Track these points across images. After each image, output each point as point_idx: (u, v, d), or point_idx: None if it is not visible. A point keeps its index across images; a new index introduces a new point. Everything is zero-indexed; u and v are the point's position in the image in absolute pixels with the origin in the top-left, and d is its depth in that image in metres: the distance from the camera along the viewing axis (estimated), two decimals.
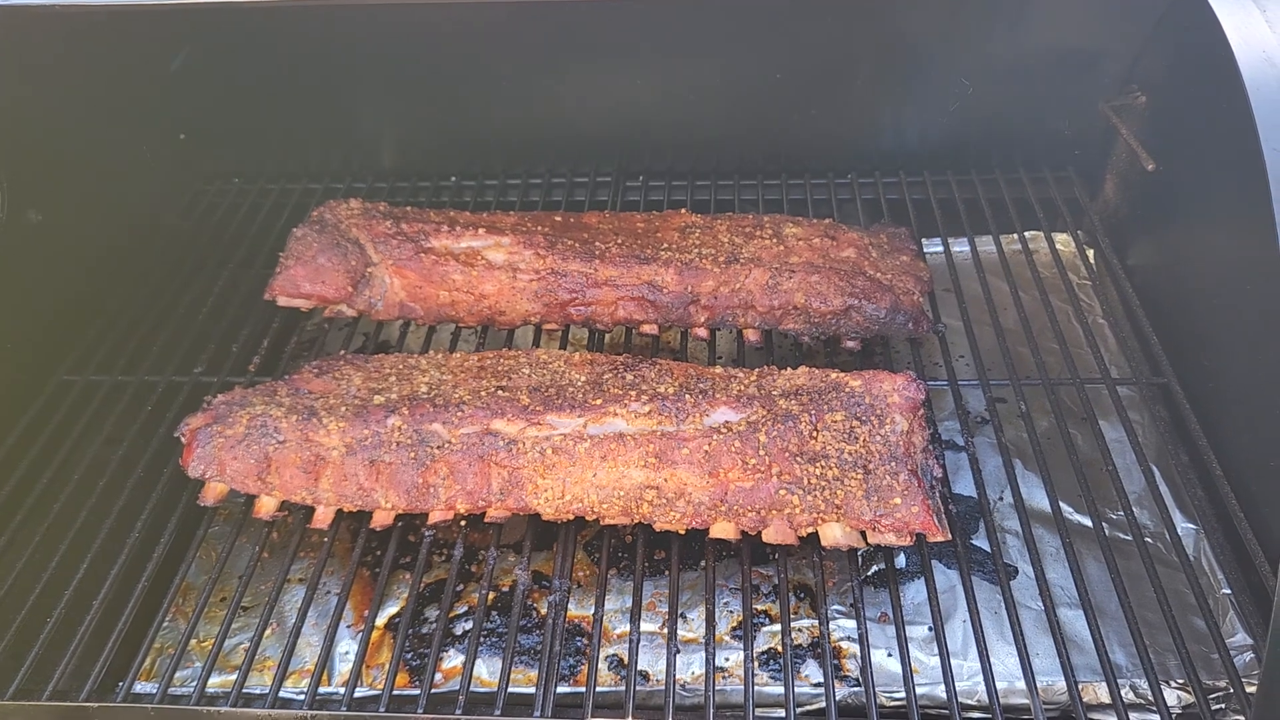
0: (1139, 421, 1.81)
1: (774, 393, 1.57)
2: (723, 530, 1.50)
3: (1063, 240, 2.18)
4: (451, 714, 1.35)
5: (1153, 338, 1.83)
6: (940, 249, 2.08)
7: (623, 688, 1.50)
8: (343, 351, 1.84)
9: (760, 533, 1.50)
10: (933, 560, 1.63)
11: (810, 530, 1.48)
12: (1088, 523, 1.65)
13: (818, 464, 1.47)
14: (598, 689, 1.45)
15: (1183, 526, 1.65)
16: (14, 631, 1.49)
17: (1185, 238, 1.88)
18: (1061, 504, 1.62)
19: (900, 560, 1.64)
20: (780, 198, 2.25)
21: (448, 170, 2.37)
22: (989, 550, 1.63)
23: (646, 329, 1.89)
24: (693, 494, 1.49)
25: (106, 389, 1.87)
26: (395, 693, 1.49)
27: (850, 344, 1.84)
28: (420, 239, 1.92)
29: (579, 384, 1.62)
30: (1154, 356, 1.81)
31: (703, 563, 1.55)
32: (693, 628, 1.59)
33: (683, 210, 2.03)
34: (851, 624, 1.57)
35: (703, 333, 1.88)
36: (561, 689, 1.51)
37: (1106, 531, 1.63)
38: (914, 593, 1.60)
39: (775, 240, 1.92)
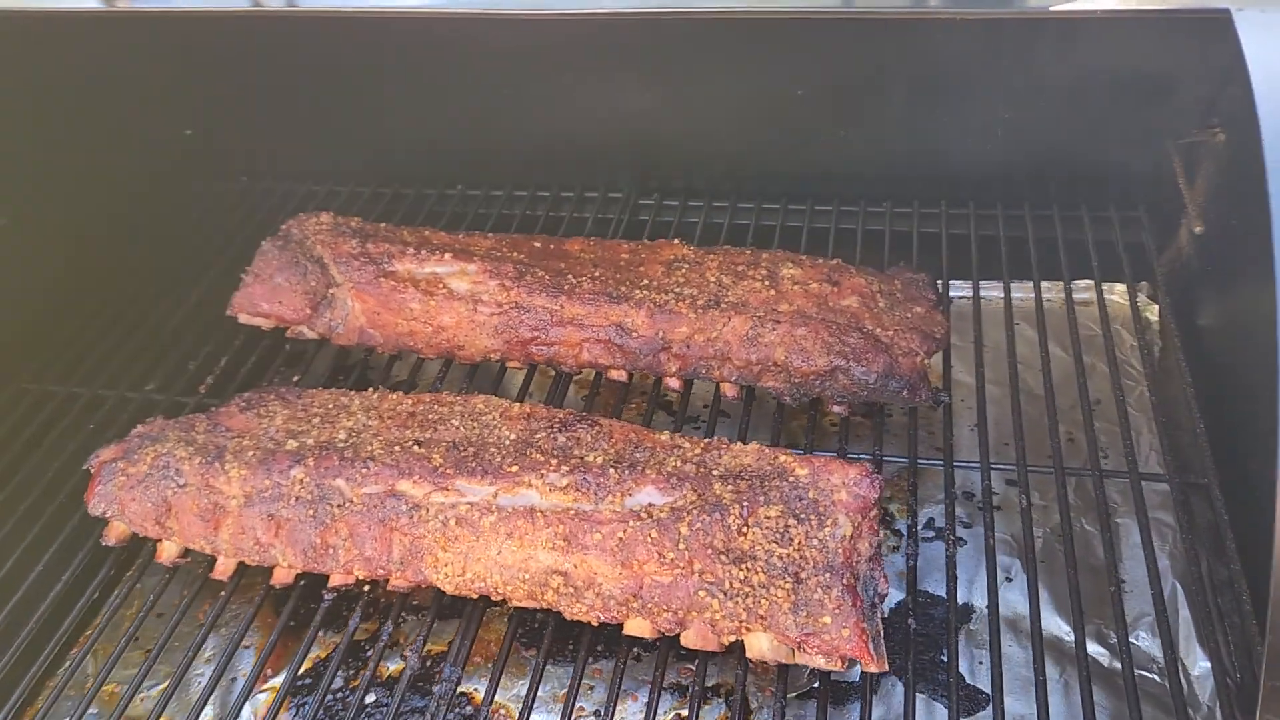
0: (1169, 526, 1.53)
1: (713, 472, 1.37)
2: (637, 628, 1.32)
3: (1119, 293, 1.89)
4: None
5: (1200, 425, 1.54)
6: (968, 294, 1.83)
7: None
8: (284, 386, 1.71)
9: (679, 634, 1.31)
10: (890, 677, 1.41)
11: (734, 638, 1.29)
12: (1098, 650, 1.41)
13: (743, 565, 1.27)
14: None
15: (1199, 666, 1.37)
16: None
17: (1254, 308, 1.58)
18: (1059, 620, 1.38)
19: (851, 673, 1.42)
20: (803, 225, 2.01)
21: (455, 179, 2.23)
22: (950, 670, 1.39)
23: (614, 375, 1.70)
24: (603, 585, 1.31)
25: (59, 400, 1.81)
26: None
27: (837, 409, 1.62)
28: (383, 261, 1.79)
29: (505, 443, 1.45)
30: (1200, 448, 1.52)
31: (620, 661, 1.36)
32: None
33: (676, 241, 1.83)
34: None
35: (675, 384, 1.68)
36: None
37: (1105, 662, 1.38)
38: (857, 714, 1.38)
39: (767, 283, 1.70)
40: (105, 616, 1.50)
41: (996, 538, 1.56)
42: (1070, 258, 1.85)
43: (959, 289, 1.95)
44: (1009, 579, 1.52)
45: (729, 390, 1.66)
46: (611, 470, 1.38)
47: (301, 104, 2.18)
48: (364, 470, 1.42)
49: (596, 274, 1.74)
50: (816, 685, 1.37)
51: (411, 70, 2.07)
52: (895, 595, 1.50)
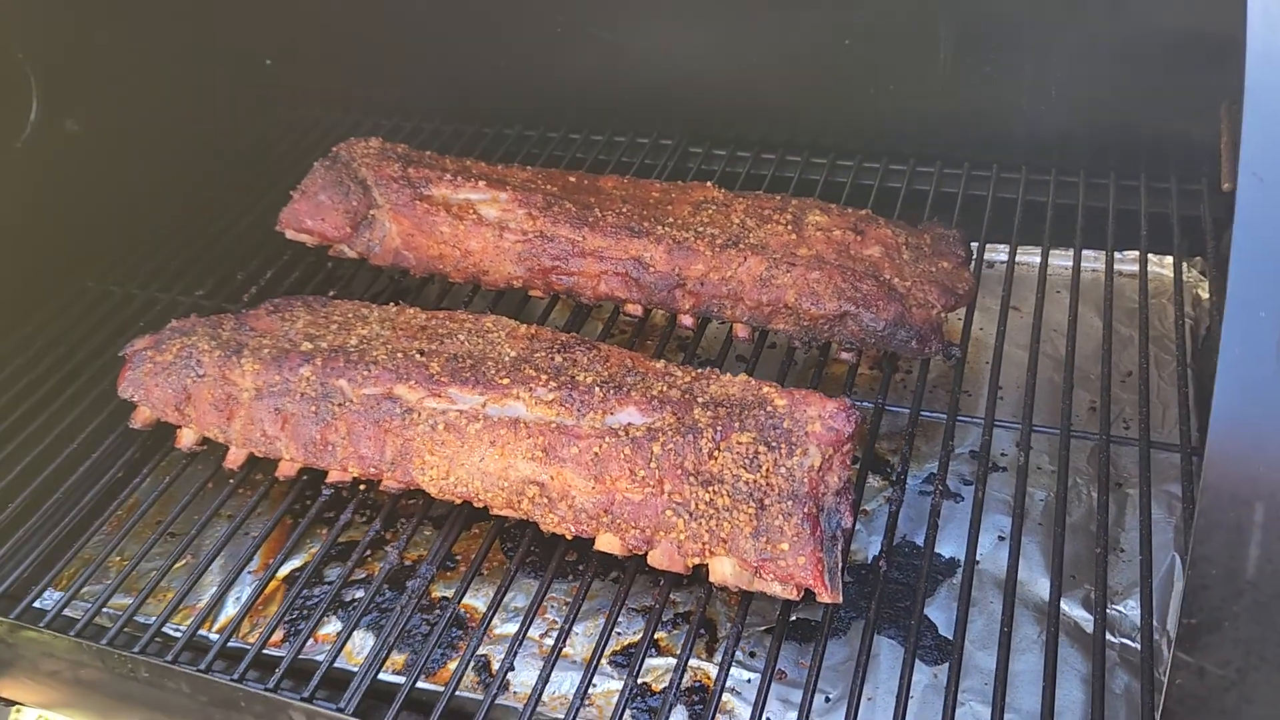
0: (1178, 499, 1.47)
1: (698, 399, 1.37)
2: (607, 544, 1.34)
3: (1167, 265, 1.81)
4: (293, 695, 1.27)
5: None
6: (1005, 258, 1.78)
7: (479, 695, 1.38)
8: (322, 295, 1.78)
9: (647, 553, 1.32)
10: (859, 620, 1.40)
11: (699, 561, 1.29)
12: (1070, 611, 1.37)
13: (710, 488, 1.27)
14: (457, 692, 1.33)
15: None
16: None
17: None
18: (1047, 583, 1.35)
19: (817, 612, 1.41)
20: (847, 180, 1.99)
21: (513, 119, 2.27)
22: (934, 622, 1.37)
23: (630, 309, 1.72)
24: (577, 498, 1.34)
25: (117, 299, 1.92)
26: (266, 653, 1.42)
27: (846, 355, 1.60)
28: (421, 185, 1.84)
29: (504, 359, 1.49)
30: None
31: (587, 576, 1.38)
32: (575, 644, 1.43)
33: (708, 184, 1.83)
34: (745, 674, 1.36)
35: (688, 321, 1.69)
36: (421, 684, 1.39)
37: (1087, 627, 1.34)
38: (831, 651, 1.37)
39: (791, 228, 1.69)
40: (125, 495, 1.59)
41: (998, 498, 1.54)
42: (1120, 227, 1.79)
43: (1001, 252, 1.90)
44: (1002, 538, 1.48)
45: (741, 331, 1.66)
46: (598, 389, 1.39)
47: (375, 40, 2.26)
48: (365, 372, 1.47)
49: (624, 209, 1.76)
50: (804, 616, 1.37)
51: (479, 9, 2.12)
52: (878, 542, 1.49)
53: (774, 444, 1.28)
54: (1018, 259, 1.80)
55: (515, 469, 1.37)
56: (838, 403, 1.31)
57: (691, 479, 1.29)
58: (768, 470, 1.26)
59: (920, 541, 1.50)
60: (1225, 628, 0.83)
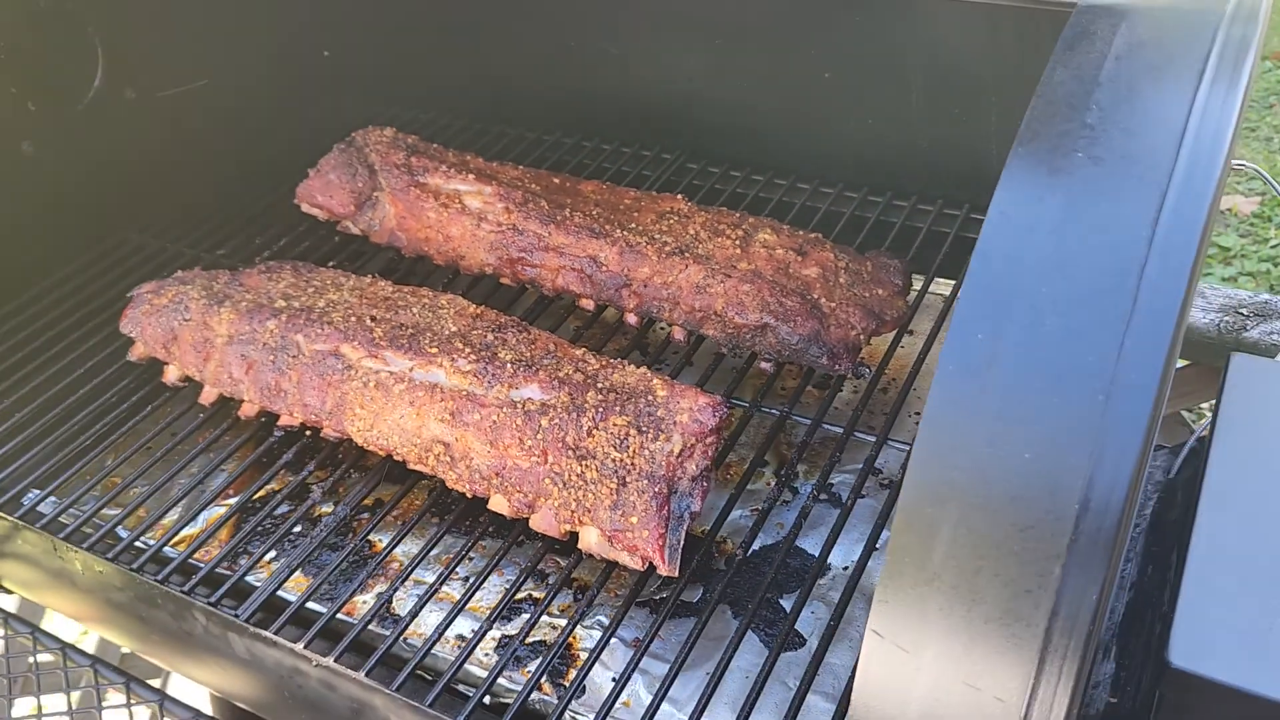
0: None
1: (596, 384, 1.51)
2: (498, 505, 1.48)
3: None
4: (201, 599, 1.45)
5: None
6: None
7: (375, 626, 1.53)
8: (331, 264, 1.98)
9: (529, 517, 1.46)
10: (724, 606, 1.51)
11: (571, 529, 1.43)
12: None
13: (584, 462, 1.41)
14: (344, 616, 1.50)
15: None
16: None
17: None
18: None
19: (693, 594, 1.52)
20: (822, 206, 2.08)
21: (531, 122, 2.44)
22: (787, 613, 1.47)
23: (584, 304, 1.86)
24: (474, 460, 1.49)
25: (150, 251, 2.16)
26: (192, 562, 1.60)
27: (765, 365, 1.71)
28: (419, 174, 2.02)
29: (444, 332, 1.65)
30: None
31: (477, 532, 1.52)
32: (462, 590, 1.57)
33: (678, 196, 1.96)
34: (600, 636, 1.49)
35: (632, 319, 1.82)
36: (314, 605, 1.54)
37: None
38: (682, 628, 1.48)
39: (739, 243, 1.81)
40: (129, 425, 1.80)
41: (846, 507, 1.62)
42: None
43: (946, 286, 1.97)
44: (877, 549, 1.57)
45: (677, 333, 1.79)
46: (510, 365, 1.54)
47: (416, 40, 2.47)
48: (319, 331, 1.65)
49: (593, 212, 1.90)
50: (665, 595, 1.48)
51: (509, 20, 2.30)
52: (763, 539, 1.59)
53: (645, 429, 1.41)
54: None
55: (427, 428, 1.52)
56: (709, 399, 1.42)
57: (570, 452, 1.42)
58: (634, 451, 1.39)
59: (805, 545, 1.60)
60: (913, 612, 0.93)
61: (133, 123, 2.20)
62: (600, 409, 1.44)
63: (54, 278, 2.08)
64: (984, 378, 0.93)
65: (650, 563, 1.35)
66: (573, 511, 1.40)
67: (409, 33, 2.50)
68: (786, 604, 1.51)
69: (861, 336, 1.69)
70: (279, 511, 1.73)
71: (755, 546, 1.59)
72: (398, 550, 1.65)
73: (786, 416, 1.64)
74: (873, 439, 1.61)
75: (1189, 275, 0.90)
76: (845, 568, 1.56)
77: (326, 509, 1.73)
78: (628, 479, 1.37)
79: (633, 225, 1.87)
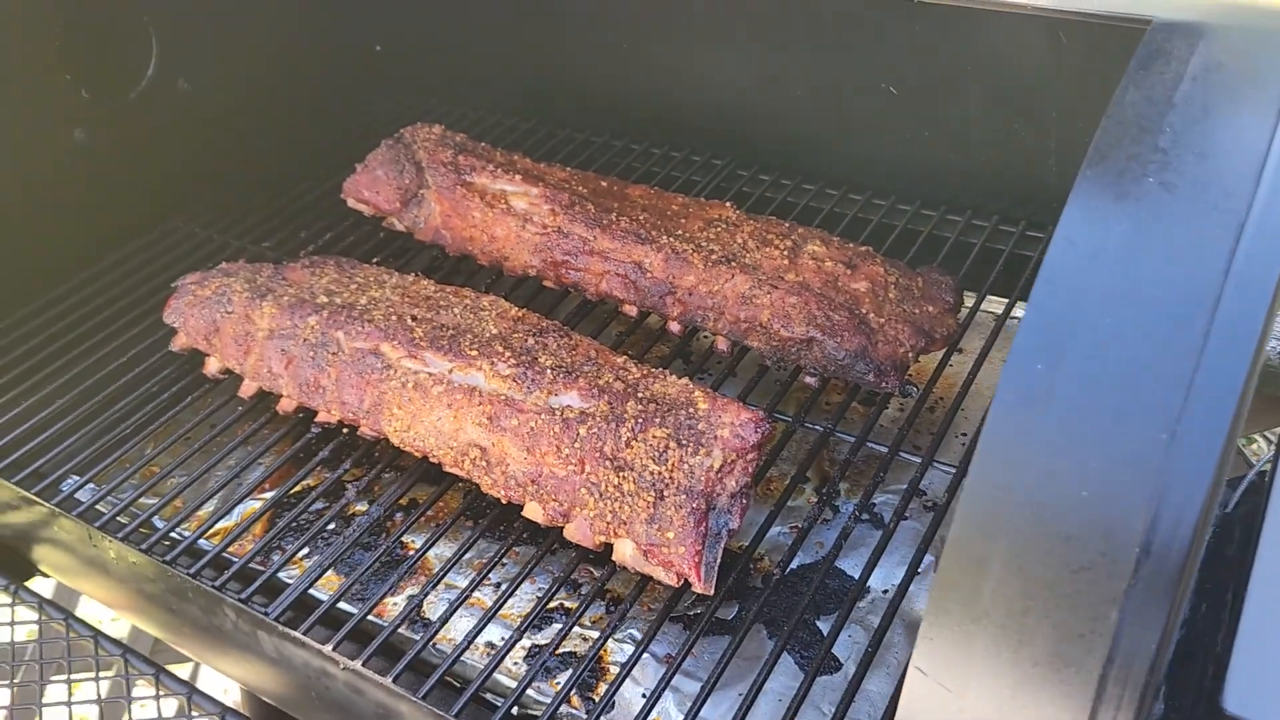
0: None
1: (637, 394, 1.48)
2: (533, 512, 1.46)
3: None
4: (232, 595, 1.45)
5: None
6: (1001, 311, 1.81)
7: (405, 630, 1.52)
8: (375, 260, 1.97)
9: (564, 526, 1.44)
10: (758, 626, 1.47)
11: (605, 540, 1.40)
12: None
13: (621, 474, 1.38)
14: (375, 618, 1.48)
15: None
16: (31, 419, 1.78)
17: None
18: None
19: (732, 613, 1.49)
20: (874, 218, 2.04)
21: (583, 124, 2.42)
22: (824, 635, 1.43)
23: (626, 309, 1.84)
24: (510, 466, 1.47)
25: (197, 241, 2.16)
26: (226, 555, 1.60)
27: (809, 379, 1.67)
28: (466, 172, 2.00)
29: (484, 335, 1.63)
30: None
31: (511, 538, 1.50)
32: (493, 597, 1.55)
33: (725, 203, 1.93)
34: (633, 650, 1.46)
35: (675, 327, 1.79)
36: (345, 606, 1.53)
37: None
38: (716, 646, 1.45)
39: (787, 253, 1.77)
40: (169, 415, 1.80)
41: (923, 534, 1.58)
42: None
43: (999, 305, 1.92)
44: (919, 573, 1.53)
45: (721, 344, 1.75)
46: (550, 371, 1.52)
47: (469, 39, 2.46)
48: (360, 329, 1.64)
49: (640, 217, 1.87)
50: (699, 612, 1.46)
51: (560, 20, 2.29)
52: (801, 558, 1.56)
53: (684, 442, 1.38)
54: (1014, 314, 1.83)
55: (464, 431, 1.50)
56: (751, 413, 1.39)
57: (607, 463, 1.40)
58: (673, 464, 1.36)
59: (844, 566, 1.56)
60: (959, 650, 0.89)
61: (183, 113, 2.20)
62: (640, 420, 1.41)
63: (100, 265, 2.09)
64: (1042, 409, 0.90)
65: (686, 579, 1.32)
66: (608, 523, 1.38)
67: (460, 30, 2.49)
68: (823, 626, 1.48)
69: (910, 354, 1.65)
70: (313, 508, 1.72)
71: (793, 565, 1.56)
72: (430, 553, 1.63)
73: (830, 433, 1.61)
74: (917, 459, 1.57)
75: (1267, 311, 0.86)
76: (885, 591, 1.52)
77: (360, 508, 1.72)
78: (665, 493, 1.35)
79: (679, 232, 1.84)
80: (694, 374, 1.76)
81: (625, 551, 1.37)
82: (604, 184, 2.00)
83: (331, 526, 1.70)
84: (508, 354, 1.56)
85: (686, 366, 1.94)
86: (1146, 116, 1.03)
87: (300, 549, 1.54)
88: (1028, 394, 0.90)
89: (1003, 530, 0.88)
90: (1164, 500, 0.84)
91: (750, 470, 1.38)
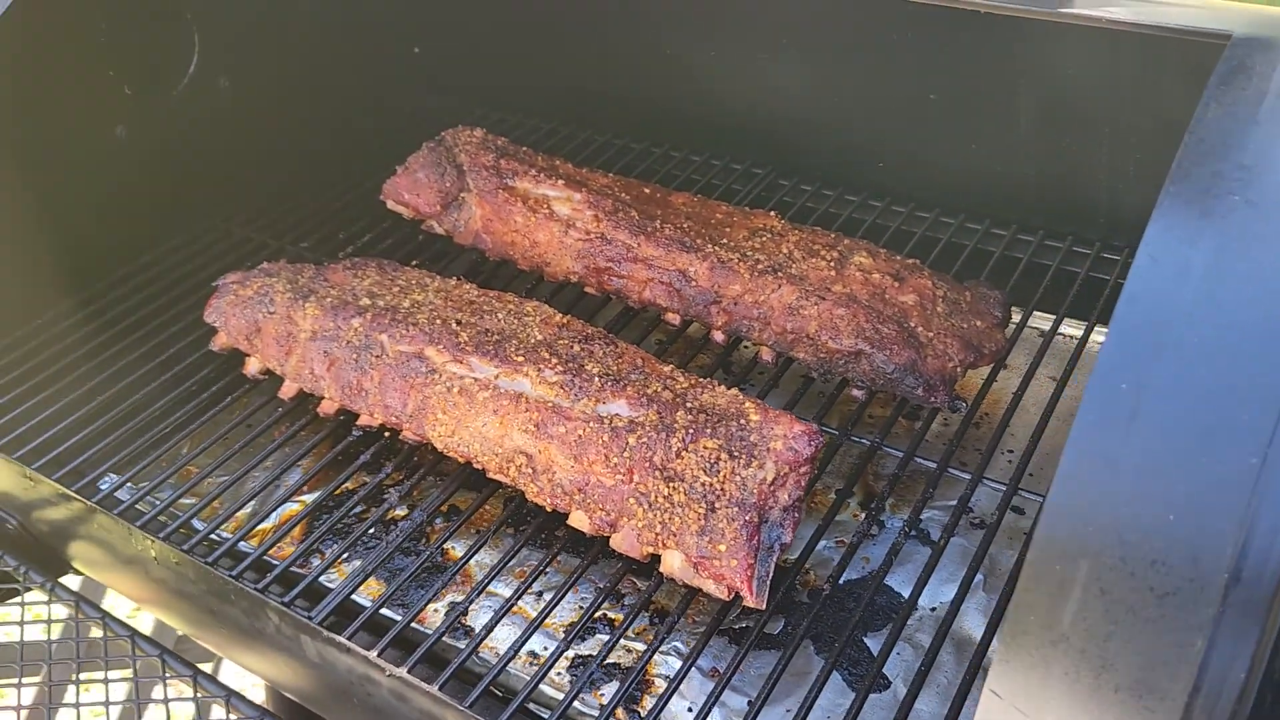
0: None
1: (686, 404, 1.46)
2: (578, 520, 1.44)
3: None
4: (275, 598, 1.43)
5: None
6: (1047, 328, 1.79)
7: (451, 641, 1.50)
8: (415, 263, 1.96)
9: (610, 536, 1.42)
10: (807, 640, 1.45)
11: (653, 551, 1.38)
12: None
13: (672, 484, 1.36)
14: (418, 625, 1.47)
15: None
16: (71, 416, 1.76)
17: None
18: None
19: (775, 626, 1.47)
20: (918, 231, 2.02)
21: (621, 129, 2.40)
22: (874, 654, 1.42)
23: (669, 317, 1.82)
24: (557, 474, 1.45)
25: (235, 240, 2.16)
26: (268, 559, 1.59)
27: (856, 393, 1.65)
28: (507, 176, 1.99)
29: (530, 340, 1.61)
30: None
31: (556, 547, 1.49)
32: (538, 606, 1.54)
33: (770, 213, 1.92)
34: (679, 664, 1.44)
35: (719, 337, 1.78)
36: (389, 613, 1.52)
37: None
38: (763, 662, 1.43)
39: (833, 264, 1.75)
40: (208, 415, 1.78)
41: (971, 551, 1.56)
42: None
43: (1045, 321, 1.90)
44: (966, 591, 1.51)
45: (765, 354, 1.74)
46: (598, 379, 1.50)
47: (509, 43, 2.45)
48: (404, 332, 1.62)
49: (684, 225, 1.86)
50: (749, 625, 1.44)
51: (601, 24, 2.28)
52: (847, 573, 1.54)
53: (736, 453, 1.36)
54: (1061, 330, 1.80)
55: (510, 438, 1.49)
56: (805, 426, 1.37)
57: (657, 473, 1.38)
58: (724, 476, 1.34)
59: (891, 582, 1.54)
60: (1035, 674, 0.87)
61: (224, 111, 2.20)
62: (690, 430, 1.39)
63: (139, 261, 2.09)
64: (1126, 429, 0.88)
65: (736, 592, 1.31)
66: (657, 534, 1.36)
67: (500, 33, 2.48)
68: (870, 643, 1.45)
69: (958, 369, 1.63)
70: (354, 512, 1.70)
71: (840, 581, 1.54)
72: (472, 560, 1.62)
73: (878, 447, 1.59)
74: (965, 476, 1.55)
75: None
76: (933, 609, 1.50)
77: (401, 512, 1.71)
78: (717, 505, 1.33)
79: (724, 241, 1.82)
80: (737, 384, 1.74)
81: (673, 563, 1.36)
82: (647, 191, 1.99)
83: (372, 531, 1.68)
84: (554, 361, 1.54)
85: (728, 377, 1.92)
86: (1229, 133, 1.01)
87: (342, 554, 1.53)
88: (1111, 413, 0.88)
89: (1084, 552, 0.86)
90: (1255, 525, 0.82)
91: (802, 484, 1.36)
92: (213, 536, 1.60)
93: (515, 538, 1.54)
